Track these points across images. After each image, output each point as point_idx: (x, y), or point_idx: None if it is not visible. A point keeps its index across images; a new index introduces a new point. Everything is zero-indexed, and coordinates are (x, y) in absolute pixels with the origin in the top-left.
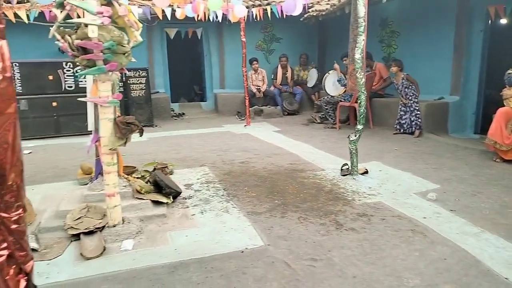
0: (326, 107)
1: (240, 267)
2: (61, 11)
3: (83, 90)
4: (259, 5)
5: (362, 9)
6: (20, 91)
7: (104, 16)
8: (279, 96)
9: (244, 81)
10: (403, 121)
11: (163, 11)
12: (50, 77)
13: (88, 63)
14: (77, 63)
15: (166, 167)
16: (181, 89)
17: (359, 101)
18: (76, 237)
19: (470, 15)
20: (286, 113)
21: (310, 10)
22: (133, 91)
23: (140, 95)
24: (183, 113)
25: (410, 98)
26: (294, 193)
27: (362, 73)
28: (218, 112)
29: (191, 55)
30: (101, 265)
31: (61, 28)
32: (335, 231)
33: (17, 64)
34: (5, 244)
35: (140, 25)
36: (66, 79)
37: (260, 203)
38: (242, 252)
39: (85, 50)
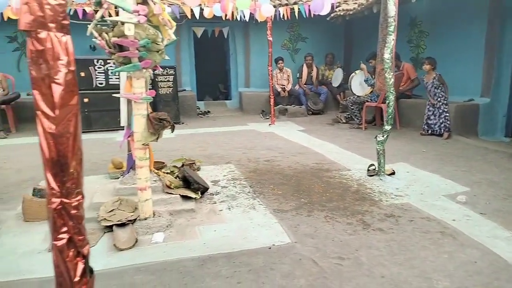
0: (352, 107)
1: (267, 263)
2: (96, 10)
3: (114, 87)
4: (286, 4)
5: (392, 8)
6: None
7: (140, 15)
8: (303, 95)
9: (269, 80)
10: (431, 122)
11: (191, 10)
12: (82, 74)
13: (124, 60)
14: (113, 60)
15: (194, 163)
16: (206, 87)
17: (387, 102)
18: (109, 228)
19: (504, 15)
20: (311, 112)
21: (337, 9)
22: (161, 89)
23: (168, 92)
24: (209, 111)
25: (439, 99)
26: (320, 192)
27: (391, 73)
28: (242, 110)
29: (216, 54)
30: (133, 257)
31: (98, 26)
32: (362, 231)
33: None
34: (65, 228)
35: (174, 23)
36: (97, 76)
37: (286, 201)
38: (270, 248)
39: (121, 48)
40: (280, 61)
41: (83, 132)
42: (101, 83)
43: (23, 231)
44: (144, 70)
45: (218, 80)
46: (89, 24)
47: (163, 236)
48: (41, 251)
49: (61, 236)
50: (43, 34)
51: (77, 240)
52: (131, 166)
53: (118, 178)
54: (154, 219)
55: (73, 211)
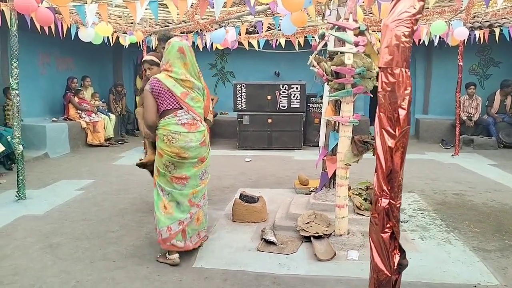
0: None
1: None
2: (319, 41)
3: (294, 109)
4: (480, 28)
5: None
6: (245, 108)
7: (359, 45)
8: (494, 125)
9: (456, 107)
10: None
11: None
12: (269, 97)
13: (339, 87)
14: (330, 86)
15: None
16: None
17: None
18: (306, 239)
19: None
20: (502, 145)
21: None
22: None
23: None
24: None
25: None
26: None
27: None
28: (418, 138)
29: None
30: (332, 268)
31: (317, 55)
32: None
33: (244, 85)
34: (389, 224)
35: None
36: (281, 100)
37: (487, 240)
38: (475, 286)
39: (337, 75)
40: (472, 87)
41: (264, 149)
42: (284, 106)
43: (233, 229)
44: (356, 95)
45: None
46: (267, 52)
47: (357, 254)
48: (251, 249)
49: (386, 230)
50: (397, 70)
51: (397, 236)
52: (324, 183)
53: (304, 193)
54: (348, 237)
55: (396, 211)
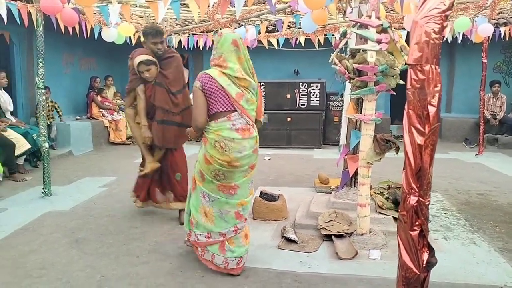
0: None
1: None
2: (340, 39)
3: (314, 108)
4: (505, 24)
5: None
6: (264, 106)
7: (382, 43)
8: None
9: (480, 105)
10: None
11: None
12: (288, 96)
13: (361, 85)
14: (352, 84)
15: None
16: (397, 111)
17: None
18: (327, 237)
19: None
20: None
21: None
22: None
23: None
24: (401, 136)
25: None
26: None
27: None
28: (441, 137)
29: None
30: (353, 267)
31: (338, 53)
32: None
33: (263, 84)
34: (418, 222)
35: (408, 48)
36: (300, 98)
37: None
38: None
39: (359, 73)
40: (497, 85)
41: (283, 147)
42: (303, 104)
43: (253, 227)
44: (378, 93)
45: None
46: (286, 50)
47: (379, 253)
48: (272, 246)
49: (415, 228)
50: (426, 67)
51: (426, 234)
52: (345, 182)
53: (324, 192)
54: (370, 236)
55: (425, 209)
